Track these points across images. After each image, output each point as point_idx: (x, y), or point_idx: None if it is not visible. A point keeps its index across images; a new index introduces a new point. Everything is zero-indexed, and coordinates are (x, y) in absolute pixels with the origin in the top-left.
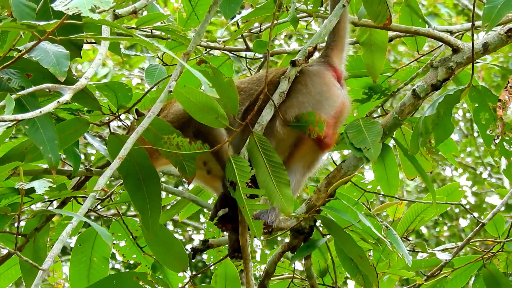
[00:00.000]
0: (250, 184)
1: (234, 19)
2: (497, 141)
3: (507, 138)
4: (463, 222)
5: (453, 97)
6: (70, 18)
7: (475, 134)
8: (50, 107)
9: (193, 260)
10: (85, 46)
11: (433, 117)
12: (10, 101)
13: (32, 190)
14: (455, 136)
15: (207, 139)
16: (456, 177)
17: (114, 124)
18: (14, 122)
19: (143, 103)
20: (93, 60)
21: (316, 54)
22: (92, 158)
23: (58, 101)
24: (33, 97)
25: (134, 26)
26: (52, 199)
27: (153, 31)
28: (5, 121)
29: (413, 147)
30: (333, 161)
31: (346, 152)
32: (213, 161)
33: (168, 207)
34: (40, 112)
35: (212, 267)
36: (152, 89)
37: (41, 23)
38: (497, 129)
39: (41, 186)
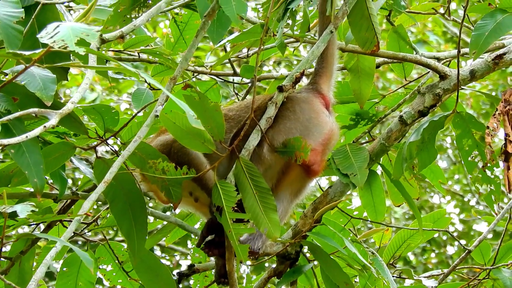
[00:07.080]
0: (236, 208)
1: (221, 42)
2: (481, 167)
3: (489, 165)
4: (451, 250)
5: (438, 123)
6: None
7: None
8: (36, 132)
9: (180, 286)
10: (74, 71)
11: (418, 143)
12: None
13: (16, 213)
14: (443, 164)
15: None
16: (444, 204)
17: (102, 149)
18: (0, 148)
19: (130, 128)
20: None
21: (305, 80)
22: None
23: (45, 126)
24: (19, 121)
25: (121, 49)
26: (37, 222)
27: (140, 54)
28: None
29: (396, 171)
30: (320, 187)
31: (334, 178)
32: (198, 190)
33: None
34: (26, 137)
35: None
36: (139, 113)
37: (27, 53)
38: (486, 156)
39: (23, 210)
